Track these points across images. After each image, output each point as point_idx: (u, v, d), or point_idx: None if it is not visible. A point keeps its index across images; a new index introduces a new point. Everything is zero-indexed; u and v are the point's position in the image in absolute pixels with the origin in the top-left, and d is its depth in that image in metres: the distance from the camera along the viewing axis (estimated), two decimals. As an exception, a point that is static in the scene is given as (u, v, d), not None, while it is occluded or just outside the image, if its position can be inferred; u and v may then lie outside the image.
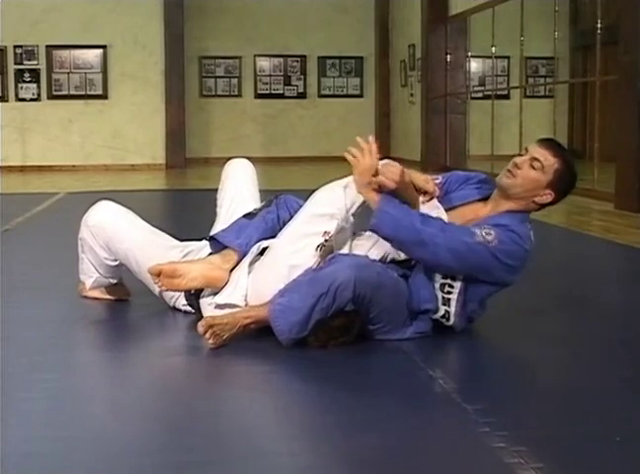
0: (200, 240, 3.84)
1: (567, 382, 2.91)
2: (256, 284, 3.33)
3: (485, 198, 3.46)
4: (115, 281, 3.95)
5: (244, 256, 3.43)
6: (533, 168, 3.25)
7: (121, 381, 2.99)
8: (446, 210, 3.41)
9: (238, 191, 3.78)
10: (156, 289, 3.77)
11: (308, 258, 3.26)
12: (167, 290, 3.56)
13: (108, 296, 3.98)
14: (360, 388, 2.78)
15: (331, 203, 3.31)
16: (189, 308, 3.65)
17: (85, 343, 3.57)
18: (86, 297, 3.98)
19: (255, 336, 3.20)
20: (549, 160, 3.26)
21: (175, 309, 3.72)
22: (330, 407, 2.62)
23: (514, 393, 2.79)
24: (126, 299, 3.99)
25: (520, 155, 3.33)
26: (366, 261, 3.25)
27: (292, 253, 3.28)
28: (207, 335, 3.11)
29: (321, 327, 3.10)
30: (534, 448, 2.21)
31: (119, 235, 3.75)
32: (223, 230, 3.55)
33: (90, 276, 3.93)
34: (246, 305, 3.33)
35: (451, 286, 3.26)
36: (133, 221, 3.83)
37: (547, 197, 3.31)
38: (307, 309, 3.05)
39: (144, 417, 2.56)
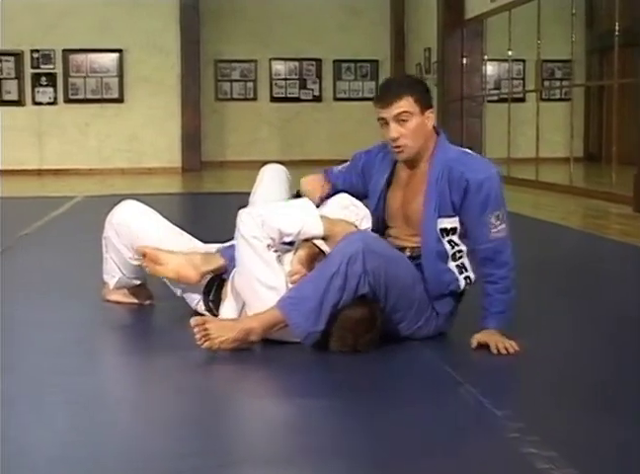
0: (223, 242, 3.84)
1: (596, 385, 2.87)
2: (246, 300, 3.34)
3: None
4: (138, 283, 3.95)
5: (231, 265, 3.48)
6: (404, 121, 3.22)
7: (147, 386, 2.99)
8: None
9: (271, 195, 3.76)
10: (178, 292, 3.78)
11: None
12: (149, 272, 3.69)
13: (130, 300, 3.98)
14: (381, 393, 2.77)
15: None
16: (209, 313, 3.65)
17: (109, 346, 3.58)
18: (108, 301, 3.99)
19: (276, 345, 3.17)
20: (399, 103, 3.20)
21: (197, 313, 3.71)
22: (353, 412, 2.61)
23: (541, 397, 2.76)
24: (149, 303, 3.98)
25: (384, 125, 3.26)
26: (374, 234, 3.27)
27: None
28: (197, 330, 3.06)
29: (343, 324, 3.06)
30: (566, 453, 2.19)
31: (143, 234, 3.75)
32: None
33: (113, 275, 3.91)
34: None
35: (460, 251, 3.29)
36: (158, 221, 3.85)
37: (430, 115, 3.29)
38: (320, 294, 3.03)
39: (171, 422, 2.56)
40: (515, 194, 10.03)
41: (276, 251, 3.24)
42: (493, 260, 3.22)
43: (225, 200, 9.23)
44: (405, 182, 3.40)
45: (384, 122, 3.27)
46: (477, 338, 3.18)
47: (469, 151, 3.39)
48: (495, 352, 3.09)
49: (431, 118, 3.30)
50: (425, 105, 3.26)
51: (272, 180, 3.81)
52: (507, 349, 3.10)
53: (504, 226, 3.23)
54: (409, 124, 3.23)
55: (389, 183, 3.44)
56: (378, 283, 3.08)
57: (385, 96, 3.26)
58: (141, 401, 2.80)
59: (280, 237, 3.23)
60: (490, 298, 3.23)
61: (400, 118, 3.22)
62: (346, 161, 3.63)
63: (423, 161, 3.34)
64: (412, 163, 3.36)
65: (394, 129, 3.24)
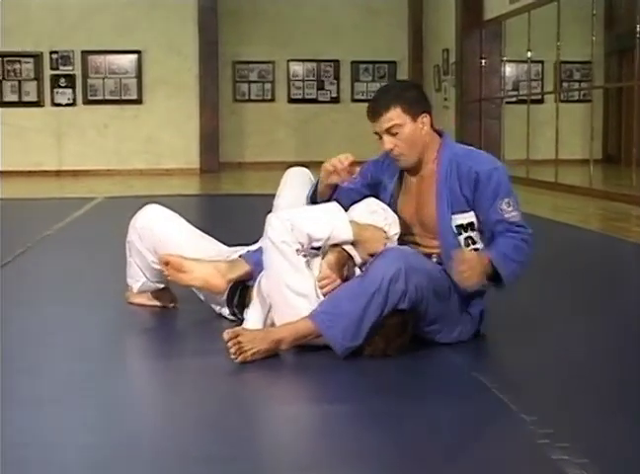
0: (247, 245, 3.84)
1: (623, 388, 2.85)
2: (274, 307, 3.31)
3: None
4: (162, 286, 3.94)
5: (257, 271, 3.47)
6: (396, 133, 3.25)
7: (173, 390, 2.97)
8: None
9: (295, 199, 3.76)
10: (201, 296, 3.78)
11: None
12: (171, 280, 3.64)
13: (153, 303, 3.98)
14: (410, 397, 2.76)
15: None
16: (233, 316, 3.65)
17: (133, 350, 3.58)
18: (132, 304, 3.99)
19: (304, 350, 3.15)
20: (387, 116, 3.24)
21: (221, 316, 3.72)
22: (381, 417, 2.60)
23: (569, 401, 2.74)
24: (173, 306, 3.98)
25: (379, 139, 3.30)
26: (411, 249, 3.25)
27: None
28: (230, 344, 3.04)
29: (376, 332, 3.05)
30: (598, 460, 2.18)
31: (166, 238, 3.76)
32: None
33: (137, 280, 3.92)
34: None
35: (477, 249, 3.25)
36: (181, 225, 3.85)
37: (425, 120, 3.30)
38: (359, 310, 3.00)
39: (199, 426, 2.55)
40: (534, 196, 10.00)
41: (304, 256, 3.22)
42: (509, 230, 3.20)
43: (244, 202, 9.26)
44: (416, 187, 3.41)
45: (379, 135, 3.31)
46: (459, 254, 3.09)
47: (474, 148, 3.42)
48: (458, 273, 3.04)
49: (426, 122, 3.30)
50: (416, 112, 3.27)
51: (296, 183, 3.81)
52: (468, 277, 3.03)
53: (516, 213, 3.22)
54: (401, 135, 3.27)
55: (400, 190, 3.45)
56: (420, 299, 3.08)
57: (373, 110, 3.30)
58: (168, 405, 2.79)
59: (310, 242, 3.21)
60: (498, 239, 3.19)
61: (391, 132, 3.26)
62: (362, 162, 3.61)
63: (428, 164, 3.36)
64: (417, 169, 3.38)
65: (387, 141, 3.28)
